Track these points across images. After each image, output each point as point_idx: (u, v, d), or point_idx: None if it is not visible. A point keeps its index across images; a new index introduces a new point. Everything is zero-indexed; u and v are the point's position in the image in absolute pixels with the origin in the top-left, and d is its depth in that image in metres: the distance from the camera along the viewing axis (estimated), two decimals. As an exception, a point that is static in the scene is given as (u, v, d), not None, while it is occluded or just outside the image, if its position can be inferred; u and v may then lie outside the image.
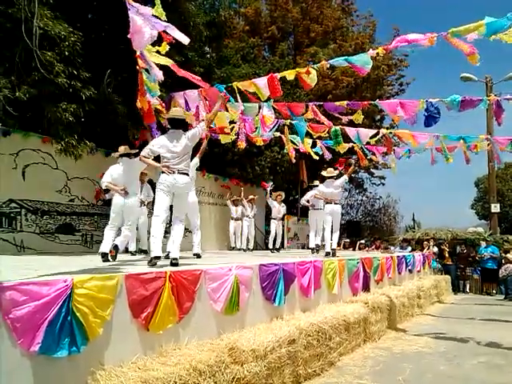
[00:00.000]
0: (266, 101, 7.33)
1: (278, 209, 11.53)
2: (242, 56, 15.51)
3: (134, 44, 4.75)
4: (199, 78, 6.50)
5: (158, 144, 5.31)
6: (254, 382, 3.76)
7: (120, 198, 6.20)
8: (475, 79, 16.56)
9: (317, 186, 9.98)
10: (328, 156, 10.93)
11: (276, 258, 7.06)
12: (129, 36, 4.69)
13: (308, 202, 10.73)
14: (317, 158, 10.79)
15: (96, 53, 8.56)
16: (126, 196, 6.19)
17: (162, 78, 5.75)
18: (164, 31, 5.08)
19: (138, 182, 6.63)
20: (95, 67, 8.12)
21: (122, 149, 6.39)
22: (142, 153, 5.45)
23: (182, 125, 5.47)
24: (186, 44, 5.25)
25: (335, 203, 8.84)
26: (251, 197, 12.28)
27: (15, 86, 6.89)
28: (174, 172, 5.21)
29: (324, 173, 9.27)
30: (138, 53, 5.63)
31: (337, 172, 9.31)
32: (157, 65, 5.75)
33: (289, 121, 8.93)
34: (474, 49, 5.25)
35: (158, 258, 4.98)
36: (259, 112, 7.97)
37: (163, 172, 5.22)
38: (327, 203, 8.89)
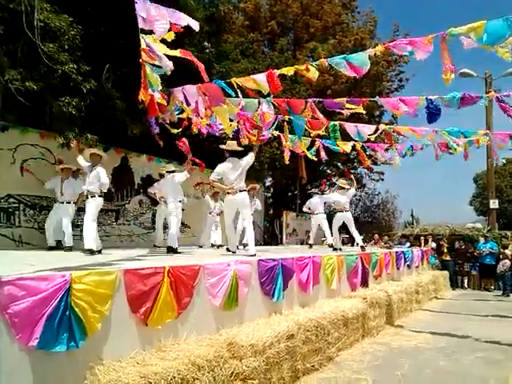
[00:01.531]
0: (265, 96, 7.30)
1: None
2: (241, 51, 15.44)
3: (156, 32, 4.76)
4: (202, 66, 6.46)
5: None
6: (252, 376, 3.77)
7: None
8: (474, 75, 16.53)
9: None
10: (324, 157, 10.91)
11: (275, 254, 7.06)
12: (147, 28, 4.69)
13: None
14: (314, 158, 10.76)
15: (95, 47, 8.52)
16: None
17: (172, 68, 5.75)
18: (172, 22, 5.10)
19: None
20: (94, 62, 8.09)
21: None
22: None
23: (238, 154, 7.04)
24: (197, 30, 5.28)
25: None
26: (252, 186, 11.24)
27: (23, 79, 6.86)
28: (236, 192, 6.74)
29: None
30: (143, 45, 5.61)
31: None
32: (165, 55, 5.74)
33: (287, 117, 8.89)
34: (454, 69, 5.25)
35: None
36: (258, 108, 7.94)
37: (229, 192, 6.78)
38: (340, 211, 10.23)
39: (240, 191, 6.81)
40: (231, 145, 7.21)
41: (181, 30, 5.42)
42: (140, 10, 4.63)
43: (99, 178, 6.73)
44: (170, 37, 5.51)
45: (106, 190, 6.95)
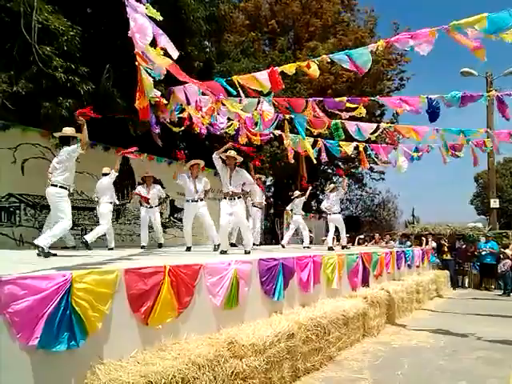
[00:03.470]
0: (266, 95, 7.28)
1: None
2: (241, 50, 15.44)
3: (135, 44, 4.75)
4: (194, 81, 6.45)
5: None
6: (252, 376, 3.78)
7: None
8: (475, 74, 16.51)
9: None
10: (324, 158, 10.89)
11: (276, 253, 7.06)
12: (129, 35, 4.68)
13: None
14: (315, 161, 10.68)
15: (95, 47, 8.51)
16: None
17: (165, 73, 5.75)
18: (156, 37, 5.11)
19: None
20: (94, 62, 8.09)
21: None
22: None
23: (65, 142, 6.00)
24: (175, 58, 5.25)
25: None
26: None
27: (13, 81, 6.85)
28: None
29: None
30: (136, 49, 5.62)
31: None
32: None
33: (288, 116, 8.89)
34: (480, 44, 5.21)
35: None
36: (257, 107, 7.94)
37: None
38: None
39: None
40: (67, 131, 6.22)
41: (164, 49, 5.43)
42: (132, 18, 4.64)
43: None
44: (159, 53, 5.49)
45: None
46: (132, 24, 4.67)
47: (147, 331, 3.49)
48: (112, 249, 7.88)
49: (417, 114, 7.31)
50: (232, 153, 7.21)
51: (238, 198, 7.13)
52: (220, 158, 7.15)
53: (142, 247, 8.93)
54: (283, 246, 10.83)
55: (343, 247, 10.58)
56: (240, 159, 7.34)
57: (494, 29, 4.94)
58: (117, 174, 7.80)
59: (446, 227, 16.59)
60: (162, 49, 5.37)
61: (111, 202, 7.91)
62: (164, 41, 5.07)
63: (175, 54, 5.13)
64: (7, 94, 6.69)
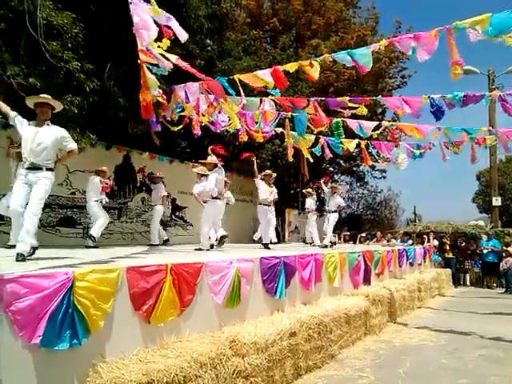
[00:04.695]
0: (272, 89, 7.27)
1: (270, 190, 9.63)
2: (243, 48, 15.41)
3: (139, 40, 4.76)
4: (199, 73, 6.46)
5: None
6: (254, 374, 3.78)
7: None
8: (477, 72, 16.46)
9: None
10: (328, 155, 10.88)
11: (277, 251, 7.06)
12: (133, 31, 4.69)
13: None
14: (311, 160, 10.70)
15: (97, 46, 8.50)
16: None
17: (171, 67, 5.76)
18: (166, 25, 5.13)
19: None
20: (97, 60, 8.07)
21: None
22: None
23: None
24: (183, 41, 5.26)
25: None
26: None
27: (25, 73, 6.83)
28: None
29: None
30: (140, 47, 5.62)
31: None
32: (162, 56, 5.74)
33: (290, 113, 8.88)
34: (462, 62, 5.24)
35: None
36: (260, 106, 7.93)
37: None
38: None
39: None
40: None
41: (171, 36, 5.44)
42: (136, 15, 4.66)
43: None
44: (165, 45, 5.51)
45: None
46: (137, 19, 4.68)
47: (149, 329, 3.49)
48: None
49: (417, 118, 7.33)
50: (208, 159, 7.89)
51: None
52: None
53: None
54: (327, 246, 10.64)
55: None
56: (213, 161, 7.84)
57: (496, 30, 4.93)
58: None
59: (448, 225, 16.56)
60: (170, 38, 5.39)
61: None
62: (175, 25, 5.11)
63: (184, 36, 5.20)
64: (22, 88, 6.66)
